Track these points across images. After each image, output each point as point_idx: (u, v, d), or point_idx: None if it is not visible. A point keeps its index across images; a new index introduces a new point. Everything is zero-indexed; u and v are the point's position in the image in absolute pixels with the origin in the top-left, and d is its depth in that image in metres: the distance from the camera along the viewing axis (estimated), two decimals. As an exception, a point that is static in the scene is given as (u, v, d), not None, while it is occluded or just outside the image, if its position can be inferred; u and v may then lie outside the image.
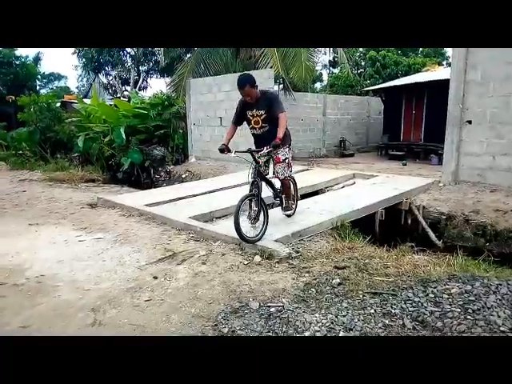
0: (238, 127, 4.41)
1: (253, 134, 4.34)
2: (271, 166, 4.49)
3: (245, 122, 4.39)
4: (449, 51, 24.06)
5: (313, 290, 3.03)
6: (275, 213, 4.88)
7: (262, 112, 4.12)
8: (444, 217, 5.56)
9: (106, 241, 4.38)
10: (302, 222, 4.55)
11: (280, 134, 3.95)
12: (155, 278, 3.37)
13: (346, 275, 3.25)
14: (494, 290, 2.78)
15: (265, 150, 3.95)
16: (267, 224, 4.08)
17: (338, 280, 3.13)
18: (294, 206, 4.79)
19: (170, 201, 6.00)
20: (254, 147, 4.27)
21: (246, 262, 3.63)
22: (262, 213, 4.08)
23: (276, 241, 4.03)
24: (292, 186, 4.67)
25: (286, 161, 4.32)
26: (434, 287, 2.93)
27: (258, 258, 3.71)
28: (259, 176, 4.12)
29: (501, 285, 2.82)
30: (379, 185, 6.71)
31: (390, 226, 5.54)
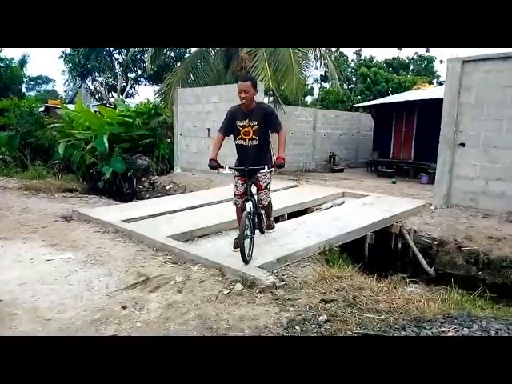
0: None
1: (239, 147, 4.06)
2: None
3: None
4: (440, 71, 24.36)
5: (297, 328, 2.74)
6: (257, 234, 4.63)
7: (255, 123, 3.91)
8: (435, 242, 5.34)
9: (76, 261, 4.03)
10: (288, 246, 4.28)
11: (282, 152, 3.85)
12: (124, 307, 3.05)
13: (334, 311, 2.97)
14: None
15: (266, 169, 3.85)
16: (253, 244, 3.99)
17: (325, 317, 2.85)
18: (273, 222, 4.72)
19: (150, 216, 5.66)
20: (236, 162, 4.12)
21: (225, 292, 3.33)
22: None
23: (260, 267, 3.75)
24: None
25: (268, 186, 4.13)
26: (429, 328, 2.69)
27: (239, 287, 3.41)
28: (251, 194, 3.99)
29: (501, 330, 2.59)
30: (369, 206, 6.49)
31: (380, 250, 5.30)
